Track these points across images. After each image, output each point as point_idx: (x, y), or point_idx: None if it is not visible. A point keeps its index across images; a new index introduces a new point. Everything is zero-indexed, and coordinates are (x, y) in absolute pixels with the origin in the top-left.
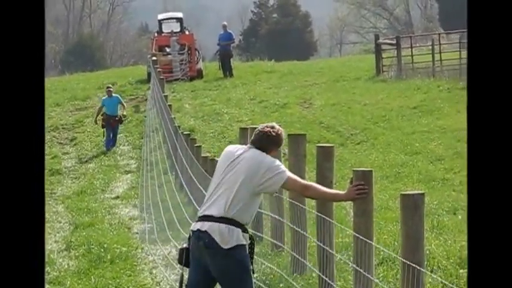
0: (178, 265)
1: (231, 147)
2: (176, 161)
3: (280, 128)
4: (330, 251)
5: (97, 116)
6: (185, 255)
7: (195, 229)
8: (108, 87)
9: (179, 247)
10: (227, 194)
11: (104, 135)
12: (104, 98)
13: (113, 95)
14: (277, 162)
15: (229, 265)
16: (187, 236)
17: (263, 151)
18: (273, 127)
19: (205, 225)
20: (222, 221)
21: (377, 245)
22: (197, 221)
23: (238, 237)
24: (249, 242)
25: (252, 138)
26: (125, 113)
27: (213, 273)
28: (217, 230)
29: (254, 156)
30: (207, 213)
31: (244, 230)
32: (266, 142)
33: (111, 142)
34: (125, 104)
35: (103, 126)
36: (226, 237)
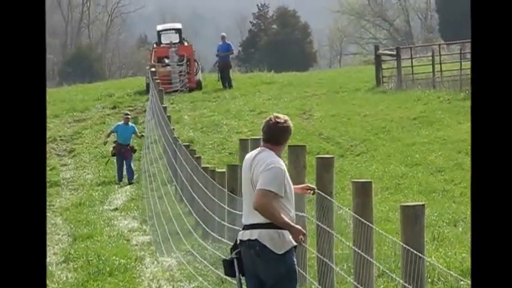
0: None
1: (248, 154)
2: (176, 172)
3: (285, 116)
4: (330, 262)
5: (107, 137)
6: (237, 265)
7: (245, 239)
8: (126, 114)
9: (223, 258)
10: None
11: (115, 165)
12: (118, 123)
13: (129, 123)
14: (273, 168)
15: (282, 270)
16: (231, 246)
17: (279, 144)
18: (277, 117)
19: (254, 234)
20: (270, 226)
21: (377, 256)
22: (244, 230)
23: (290, 240)
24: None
25: (263, 136)
26: (143, 134)
27: (265, 280)
28: (266, 236)
29: (261, 158)
30: (251, 221)
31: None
32: (277, 132)
33: (123, 174)
34: (139, 134)
35: (114, 155)
36: (278, 242)
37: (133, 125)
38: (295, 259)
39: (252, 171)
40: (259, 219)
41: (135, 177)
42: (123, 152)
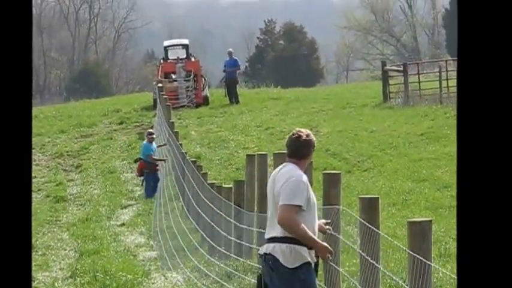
0: None
1: (275, 170)
2: (183, 188)
3: (307, 130)
4: (337, 279)
5: (156, 160)
6: (263, 282)
7: (262, 253)
8: (150, 134)
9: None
10: (275, 215)
11: (142, 184)
12: (143, 143)
13: (153, 143)
14: (295, 181)
15: (296, 285)
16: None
17: (303, 158)
18: (299, 131)
19: (269, 247)
20: (284, 240)
21: (384, 273)
22: (264, 244)
23: (302, 255)
24: (315, 259)
25: (287, 151)
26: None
27: None
28: (279, 250)
29: (283, 172)
30: (270, 235)
31: (310, 247)
32: (300, 146)
33: (151, 189)
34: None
35: (141, 175)
36: (289, 256)
37: (155, 145)
38: (312, 276)
39: (274, 186)
40: (276, 232)
41: (139, 193)
42: (152, 167)
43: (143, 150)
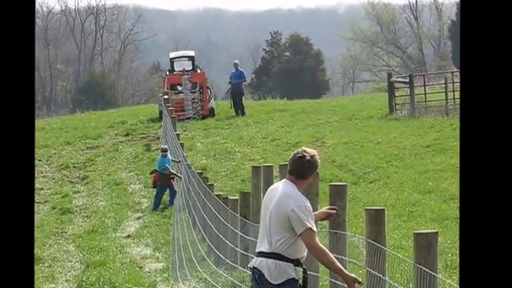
0: None
1: (272, 185)
2: (189, 200)
3: (313, 150)
4: None
5: (175, 175)
6: None
7: (251, 266)
8: (163, 150)
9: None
10: (267, 231)
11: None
12: (159, 158)
13: (168, 156)
14: (302, 207)
15: None
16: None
17: (302, 178)
18: (304, 151)
19: (257, 261)
20: (271, 256)
21: (390, 284)
22: (255, 258)
23: (287, 272)
24: (301, 276)
25: (288, 168)
26: (179, 160)
27: None
28: (265, 265)
29: (283, 191)
30: (259, 249)
31: (297, 264)
32: (302, 166)
33: (160, 202)
34: (176, 159)
35: (155, 186)
36: (273, 272)
37: (170, 156)
38: None
39: (271, 202)
40: (264, 247)
41: (145, 205)
42: (168, 180)
43: (159, 165)
